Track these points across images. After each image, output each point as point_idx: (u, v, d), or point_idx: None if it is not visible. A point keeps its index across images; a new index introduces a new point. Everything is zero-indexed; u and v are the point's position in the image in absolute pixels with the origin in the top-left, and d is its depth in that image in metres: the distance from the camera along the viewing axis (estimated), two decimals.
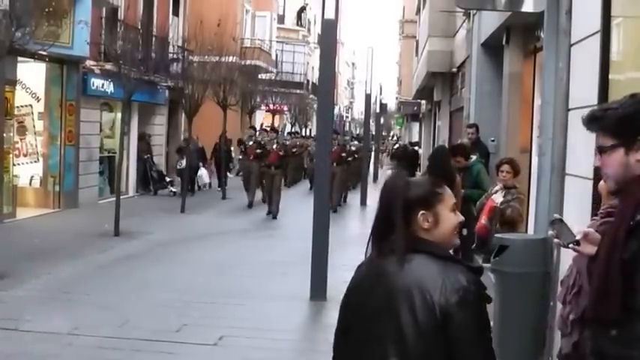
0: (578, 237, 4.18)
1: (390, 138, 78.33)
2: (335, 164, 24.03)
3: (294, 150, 36.84)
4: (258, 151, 24.78)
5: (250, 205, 25.73)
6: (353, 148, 31.30)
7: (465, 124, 18.98)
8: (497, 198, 11.03)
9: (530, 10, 12.39)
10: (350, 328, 3.53)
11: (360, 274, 3.62)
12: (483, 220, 11.16)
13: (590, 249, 4.15)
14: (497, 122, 17.60)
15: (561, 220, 4.26)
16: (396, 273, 3.34)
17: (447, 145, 26.40)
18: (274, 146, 24.70)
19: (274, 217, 23.21)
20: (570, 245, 4.18)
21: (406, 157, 17.95)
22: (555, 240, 4.27)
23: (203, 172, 31.50)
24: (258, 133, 28.18)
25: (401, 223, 3.43)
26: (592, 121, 4.15)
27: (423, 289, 3.24)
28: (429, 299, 3.22)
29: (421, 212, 3.45)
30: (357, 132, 79.60)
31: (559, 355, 4.46)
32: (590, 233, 4.17)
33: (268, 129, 28.22)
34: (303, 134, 50.46)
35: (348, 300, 3.62)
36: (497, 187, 11.31)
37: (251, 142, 25.98)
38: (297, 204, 26.69)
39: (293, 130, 51.91)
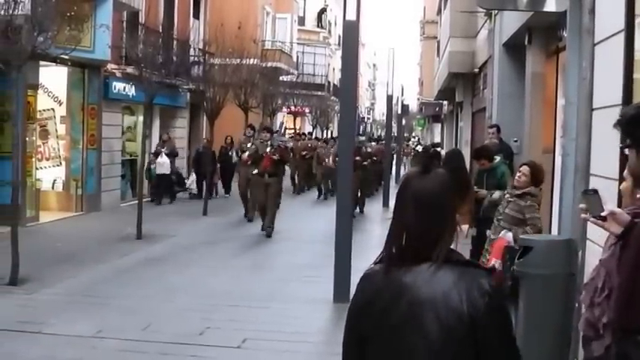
0: (604, 213, 4.16)
1: (412, 139, 78.11)
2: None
3: (303, 153, 34.54)
4: (244, 155, 21.45)
5: (250, 219, 22.27)
6: (369, 150, 29.20)
7: (487, 125, 18.91)
8: (509, 236, 10.07)
9: (552, 10, 12.33)
10: (369, 339, 3.35)
11: (377, 284, 3.36)
12: (494, 262, 9.97)
13: (615, 228, 4.14)
14: (519, 123, 17.51)
15: (596, 192, 4.23)
16: (420, 281, 3.19)
17: (469, 146, 26.30)
18: (267, 150, 20.19)
19: (268, 236, 19.51)
20: (593, 219, 4.19)
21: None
22: (582, 214, 4.27)
23: (192, 178, 30.56)
24: (257, 133, 24.69)
25: (449, 229, 3.28)
26: (617, 122, 4.13)
27: (447, 296, 3.13)
28: (455, 306, 3.12)
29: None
30: (379, 133, 79.52)
31: (589, 357, 4.42)
32: (619, 213, 4.14)
33: (254, 128, 23.47)
34: (317, 136, 47.82)
35: (363, 311, 3.37)
36: (507, 194, 10.78)
37: (249, 144, 21.66)
38: (309, 210, 26.54)
39: (299, 130, 50.84)
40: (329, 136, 47.17)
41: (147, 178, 26.76)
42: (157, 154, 27.27)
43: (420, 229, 3.26)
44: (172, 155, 27.20)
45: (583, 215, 4.28)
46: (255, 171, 20.36)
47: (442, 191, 3.31)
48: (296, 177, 35.11)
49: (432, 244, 3.21)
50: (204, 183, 29.31)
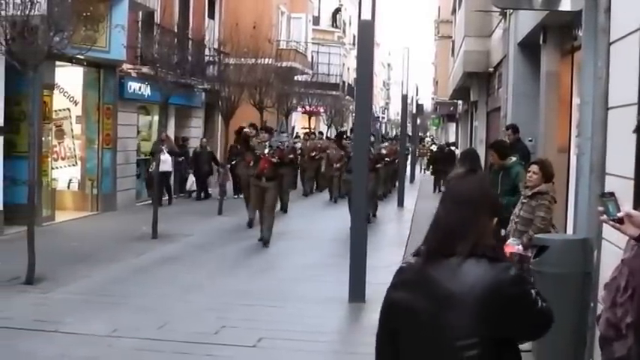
0: (620, 214, 4.19)
1: (427, 139, 77.90)
2: None
3: (313, 154, 33.14)
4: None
5: (250, 224, 20.83)
6: (383, 151, 27.00)
7: (502, 125, 18.89)
8: (516, 243, 9.80)
9: (567, 9, 12.32)
10: (401, 329, 3.58)
11: (409, 276, 3.61)
12: None
13: (632, 230, 4.15)
14: (534, 122, 17.47)
15: (612, 195, 4.27)
16: (449, 274, 3.42)
17: (484, 145, 26.26)
18: (265, 151, 18.34)
19: (265, 245, 18.02)
20: (611, 222, 4.21)
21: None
22: (601, 216, 4.30)
23: (190, 179, 29.95)
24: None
25: (484, 225, 3.52)
26: (636, 127, 4.14)
27: (475, 288, 3.35)
28: (481, 297, 3.34)
29: (496, 220, 3.61)
30: (394, 133, 79.40)
31: (610, 358, 4.40)
32: (635, 215, 4.15)
33: (257, 128, 21.53)
34: (328, 135, 45.36)
35: (396, 303, 3.62)
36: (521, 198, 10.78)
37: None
38: (320, 211, 26.50)
39: (309, 130, 48.26)
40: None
41: (145, 179, 27.00)
42: (154, 153, 25.39)
43: (451, 225, 3.52)
44: (172, 154, 26.98)
45: (601, 217, 4.31)
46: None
47: (476, 192, 3.59)
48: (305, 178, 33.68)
49: (462, 239, 3.45)
50: (204, 183, 29.45)
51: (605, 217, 4.27)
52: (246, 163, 19.94)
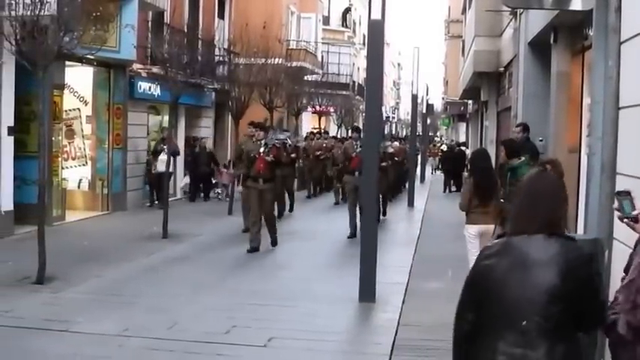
0: (636, 212, 4.39)
1: (437, 139, 77.78)
2: (358, 174, 18.52)
3: (318, 153, 31.76)
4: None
5: (245, 229, 19.20)
6: (390, 150, 25.71)
7: (512, 124, 18.83)
8: None
9: (578, 9, 12.26)
10: (489, 296, 4.30)
11: (499, 251, 4.35)
12: None
13: None
14: (545, 122, 17.43)
15: (628, 194, 4.50)
16: (534, 249, 4.23)
17: (495, 145, 26.17)
18: (261, 150, 17.31)
19: (273, 244, 17.65)
20: (625, 220, 4.46)
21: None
22: (616, 212, 4.58)
23: (185, 179, 29.77)
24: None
25: (560, 211, 4.42)
26: None
27: (555, 260, 4.16)
28: (561, 268, 4.14)
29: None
30: (405, 133, 79.25)
31: None
32: None
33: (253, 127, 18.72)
34: (338, 135, 44.58)
35: (486, 272, 4.36)
36: None
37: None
38: (326, 212, 26.36)
39: (315, 129, 47.26)
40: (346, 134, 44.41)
41: (147, 182, 26.63)
42: (156, 152, 25.96)
43: (538, 211, 4.33)
44: (174, 154, 24.58)
45: (617, 214, 4.54)
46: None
47: (554, 185, 4.49)
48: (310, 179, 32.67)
49: (545, 222, 4.28)
50: (201, 185, 29.15)
51: (619, 214, 4.46)
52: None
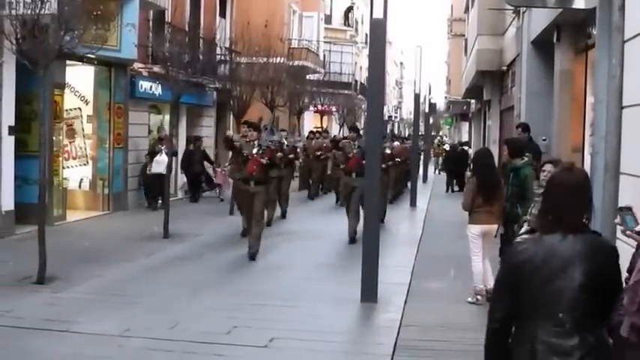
0: (638, 228, 4.49)
1: (439, 138, 77.68)
2: (355, 175, 18.62)
3: (318, 153, 30.87)
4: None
5: (244, 234, 18.13)
6: (388, 151, 23.40)
7: (515, 124, 18.79)
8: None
9: (581, 7, 12.25)
10: (524, 286, 4.47)
11: (532, 246, 4.53)
12: None
13: None
14: (548, 121, 17.41)
15: (630, 209, 4.63)
16: (566, 244, 4.42)
17: (497, 145, 26.11)
18: (254, 151, 16.33)
19: (252, 258, 16.04)
20: (628, 232, 4.59)
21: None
22: (618, 226, 4.71)
23: (181, 179, 29.08)
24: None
25: (586, 207, 4.60)
26: None
27: (586, 254, 4.38)
28: (591, 261, 4.37)
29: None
30: (407, 132, 79.18)
31: None
32: None
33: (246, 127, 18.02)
34: (337, 134, 43.33)
35: (520, 265, 4.50)
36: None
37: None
38: (327, 212, 26.14)
39: (316, 128, 44.12)
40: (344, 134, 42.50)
41: (142, 182, 25.93)
42: (152, 153, 25.23)
43: (569, 208, 4.50)
44: (172, 154, 22.66)
45: (620, 228, 4.69)
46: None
47: (585, 183, 4.64)
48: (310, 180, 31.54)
49: (574, 218, 4.48)
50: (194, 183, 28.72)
51: (622, 228, 4.63)
52: (237, 167, 17.86)
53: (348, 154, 19.39)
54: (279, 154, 19.21)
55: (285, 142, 23.22)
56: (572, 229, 4.44)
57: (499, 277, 4.77)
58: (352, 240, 18.12)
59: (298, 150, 29.77)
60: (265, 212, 18.03)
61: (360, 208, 17.12)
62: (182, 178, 28.85)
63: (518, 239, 4.78)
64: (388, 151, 23.58)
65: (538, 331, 4.43)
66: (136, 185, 25.68)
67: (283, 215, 23.70)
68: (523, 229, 10.04)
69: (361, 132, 19.99)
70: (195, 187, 28.58)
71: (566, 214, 4.48)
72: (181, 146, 28.56)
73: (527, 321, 4.50)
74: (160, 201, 24.67)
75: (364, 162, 16.86)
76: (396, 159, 25.89)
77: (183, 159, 28.30)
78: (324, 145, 31.25)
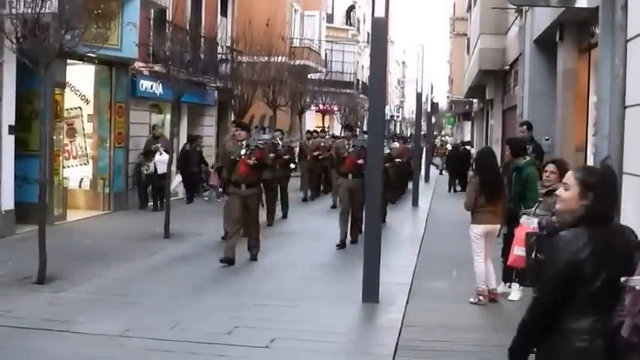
0: None
1: (443, 138, 77.60)
2: (351, 176, 17.96)
3: (316, 153, 29.04)
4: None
5: (225, 237, 17.01)
6: (387, 151, 21.19)
7: (518, 123, 18.75)
8: (531, 222, 9.93)
9: (584, 6, 12.23)
10: (580, 278, 4.54)
11: (583, 240, 4.58)
12: (516, 250, 10.11)
13: None
14: (551, 120, 17.38)
15: None
16: (613, 235, 4.66)
17: (500, 144, 26.07)
18: (242, 153, 15.40)
19: (253, 258, 15.78)
20: None
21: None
22: None
23: (177, 179, 27.08)
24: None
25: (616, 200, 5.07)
26: None
27: (626, 242, 4.68)
28: (630, 247, 4.65)
29: None
30: (409, 132, 79.07)
31: None
32: None
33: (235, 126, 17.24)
34: (337, 133, 40.25)
35: (584, 261, 4.54)
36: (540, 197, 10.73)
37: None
38: (328, 212, 25.88)
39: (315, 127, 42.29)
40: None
41: (136, 182, 25.14)
42: (148, 153, 24.37)
43: (612, 202, 4.83)
44: (168, 153, 21.95)
45: None
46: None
47: (614, 177, 5.01)
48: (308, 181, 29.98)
49: (613, 211, 4.81)
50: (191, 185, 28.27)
51: None
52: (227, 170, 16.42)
53: (342, 154, 18.36)
54: (272, 154, 18.35)
55: (280, 143, 22.64)
56: (612, 221, 4.75)
57: (554, 274, 4.72)
58: (342, 245, 17.51)
59: (296, 150, 29.63)
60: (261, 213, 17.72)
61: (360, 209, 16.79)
62: (177, 179, 28.17)
63: (565, 234, 4.72)
64: (387, 150, 22.10)
65: (599, 324, 4.51)
66: (131, 186, 25.24)
67: (284, 216, 23.24)
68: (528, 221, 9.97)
69: (357, 131, 19.46)
70: (192, 187, 28.03)
71: (612, 207, 4.79)
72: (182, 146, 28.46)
73: (583, 315, 4.57)
74: (150, 202, 24.61)
75: (359, 162, 17.23)
76: (396, 160, 25.28)
77: (179, 158, 28.04)
78: (322, 144, 29.79)
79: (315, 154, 29.14)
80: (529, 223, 9.87)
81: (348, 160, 18.06)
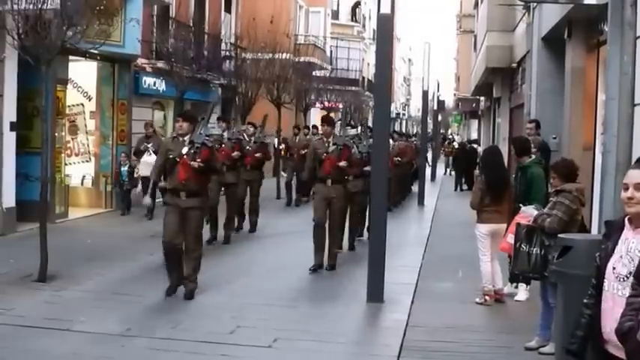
0: None
1: (450, 136, 77.66)
2: (330, 182, 14.64)
3: (303, 152, 23.61)
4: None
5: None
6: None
7: (525, 122, 18.64)
8: (529, 210, 9.89)
9: (593, 3, 12.16)
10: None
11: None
12: (509, 238, 10.19)
13: None
14: (559, 119, 17.29)
15: None
16: None
17: (507, 143, 25.98)
18: (184, 152, 12.00)
19: (188, 296, 12.04)
20: None
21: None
22: None
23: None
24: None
25: None
26: None
27: None
28: None
29: None
30: (415, 130, 79.08)
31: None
32: None
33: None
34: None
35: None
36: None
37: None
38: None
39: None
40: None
41: (116, 185, 23.20)
42: (138, 152, 21.86)
43: None
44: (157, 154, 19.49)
45: None
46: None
47: None
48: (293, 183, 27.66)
49: None
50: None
51: None
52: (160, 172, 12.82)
53: (321, 154, 14.70)
54: (236, 153, 17.17)
55: (248, 139, 19.55)
56: None
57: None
58: (317, 268, 14.61)
59: (281, 147, 29.12)
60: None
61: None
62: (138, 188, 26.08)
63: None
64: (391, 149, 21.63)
65: None
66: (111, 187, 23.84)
67: (252, 229, 19.72)
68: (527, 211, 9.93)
69: (337, 125, 17.05)
70: None
71: None
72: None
73: None
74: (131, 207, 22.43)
75: (341, 164, 14.58)
76: (396, 159, 24.17)
77: None
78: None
79: (303, 152, 25.18)
80: (526, 213, 9.88)
81: (327, 162, 14.58)
